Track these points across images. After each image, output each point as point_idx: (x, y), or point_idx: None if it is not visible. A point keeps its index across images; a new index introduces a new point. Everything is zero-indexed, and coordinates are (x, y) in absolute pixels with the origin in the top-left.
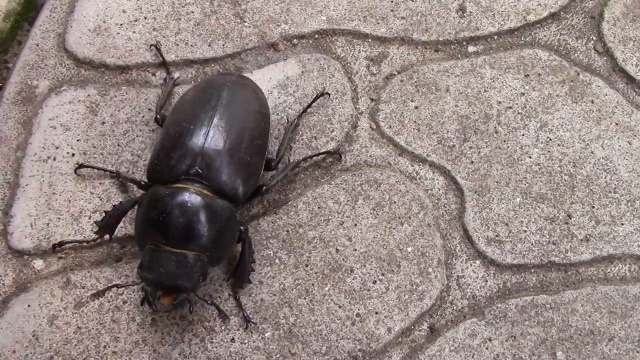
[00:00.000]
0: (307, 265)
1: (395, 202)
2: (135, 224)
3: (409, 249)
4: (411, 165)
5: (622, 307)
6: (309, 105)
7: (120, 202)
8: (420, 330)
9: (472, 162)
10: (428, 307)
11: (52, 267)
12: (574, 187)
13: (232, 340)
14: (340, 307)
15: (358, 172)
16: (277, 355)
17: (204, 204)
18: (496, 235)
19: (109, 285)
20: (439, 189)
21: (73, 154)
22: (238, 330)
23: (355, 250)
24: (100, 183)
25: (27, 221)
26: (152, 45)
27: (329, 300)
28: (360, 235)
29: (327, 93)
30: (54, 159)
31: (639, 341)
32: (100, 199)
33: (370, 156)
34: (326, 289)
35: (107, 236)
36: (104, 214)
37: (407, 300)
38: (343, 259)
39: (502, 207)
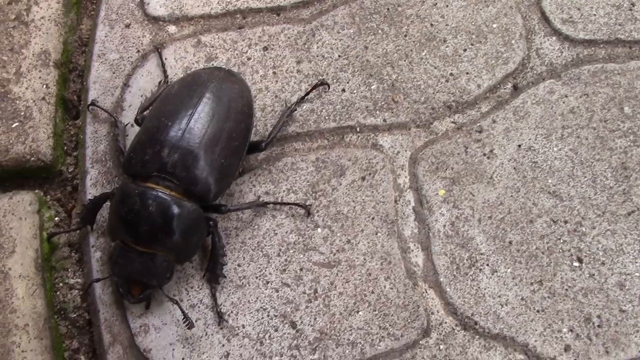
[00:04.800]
0: (406, 35)
1: None
2: (108, 217)
3: (494, 25)
4: None
5: None
6: (307, 93)
7: (95, 196)
8: (505, 88)
9: None
10: (512, 70)
11: (184, 31)
12: None
13: (343, 90)
14: (435, 68)
15: None
16: (382, 103)
17: (172, 207)
18: (570, 17)
19: (89, 281)
20: None
21: None
22: (347, 82)
23: (447, 25)
24: None
25: None
26: (155, 46)
27: (426, 63)
28: (451, 13)
29: (326, 83)
30: None
31: None
32: None
33: None
34: (423, 54)
35: (88, 227)
36: (82, 208)
37: (493, 64)
38: (437, 32)
39: None
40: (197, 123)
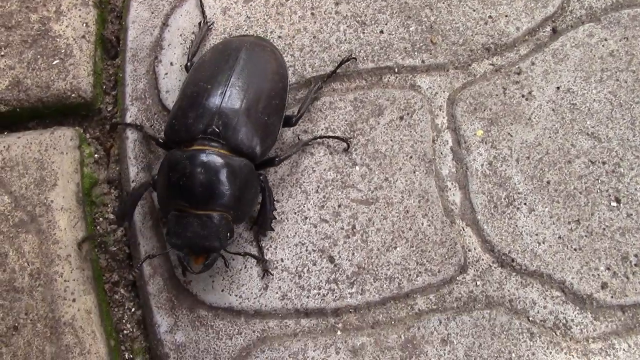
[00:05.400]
0: None
1: None
2: (158, 193)
3: None
4: None
5: None
6: (335, 70)
7: (133, 188)
8: (544, 31)
9: None
10: (551, 13)
11: None
12: None
13: (381, 32)
14: (474, 10)
15: None
16: (421, 44)
17: (223, 163)
18: None
19: (144, 257)
20: None
21: None
22: (386, 24)
23: None
24: None
25: None
26: None
27: (464, 5)
28: None
29: (353, 58)
30: None
31: None
32: None
33: None
34: None
35: (126, 224)
36: (117, 204)
37: (532, 7)
38: None
39: None
40: (237, 83)
